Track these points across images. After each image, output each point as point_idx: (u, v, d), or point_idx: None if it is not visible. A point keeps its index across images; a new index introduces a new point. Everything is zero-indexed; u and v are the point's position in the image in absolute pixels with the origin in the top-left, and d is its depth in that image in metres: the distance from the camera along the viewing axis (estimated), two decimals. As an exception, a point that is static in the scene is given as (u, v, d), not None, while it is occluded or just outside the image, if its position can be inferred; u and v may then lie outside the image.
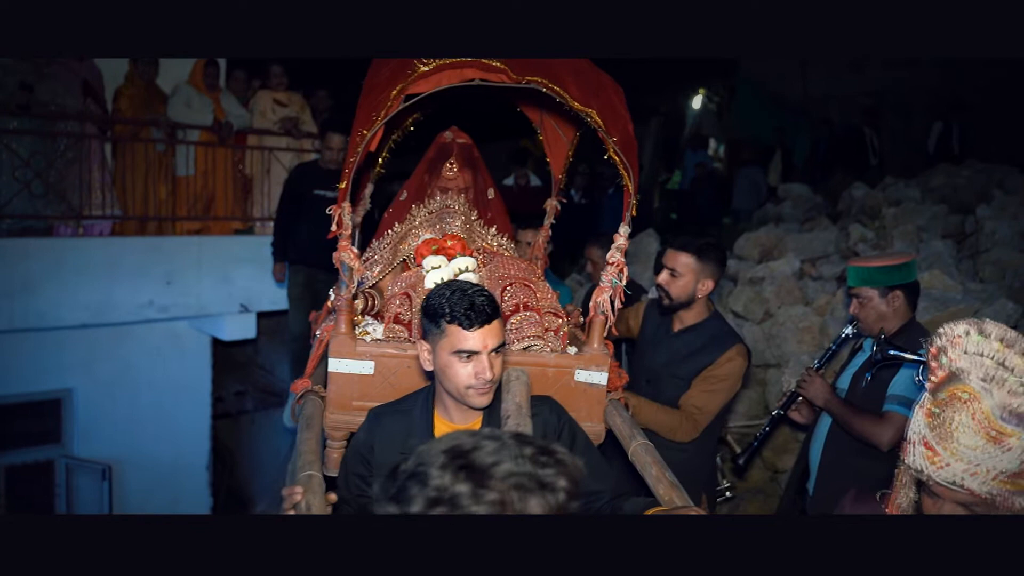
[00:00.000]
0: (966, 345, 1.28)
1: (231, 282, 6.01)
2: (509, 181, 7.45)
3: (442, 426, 1.91)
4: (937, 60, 9.47)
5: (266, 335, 6.70)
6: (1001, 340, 1.27)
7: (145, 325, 5.95)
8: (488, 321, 1.77)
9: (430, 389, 1.95)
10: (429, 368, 1.87)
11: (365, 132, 2.02)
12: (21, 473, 5.81)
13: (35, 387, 5.78)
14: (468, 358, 1.78)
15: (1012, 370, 1.25)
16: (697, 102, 13.48)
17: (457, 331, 1.76)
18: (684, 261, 2.83)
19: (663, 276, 2.88)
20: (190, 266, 5.88)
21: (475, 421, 1.92)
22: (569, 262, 7.16)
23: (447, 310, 1.76)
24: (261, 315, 6.28)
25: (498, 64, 2.06)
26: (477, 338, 1.76)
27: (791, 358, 4.40)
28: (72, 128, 5.50)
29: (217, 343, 6.53)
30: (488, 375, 1.78)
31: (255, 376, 7.28)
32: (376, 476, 1.87)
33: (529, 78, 2.09)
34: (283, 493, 1.76)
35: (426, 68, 1.95)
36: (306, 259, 4.94)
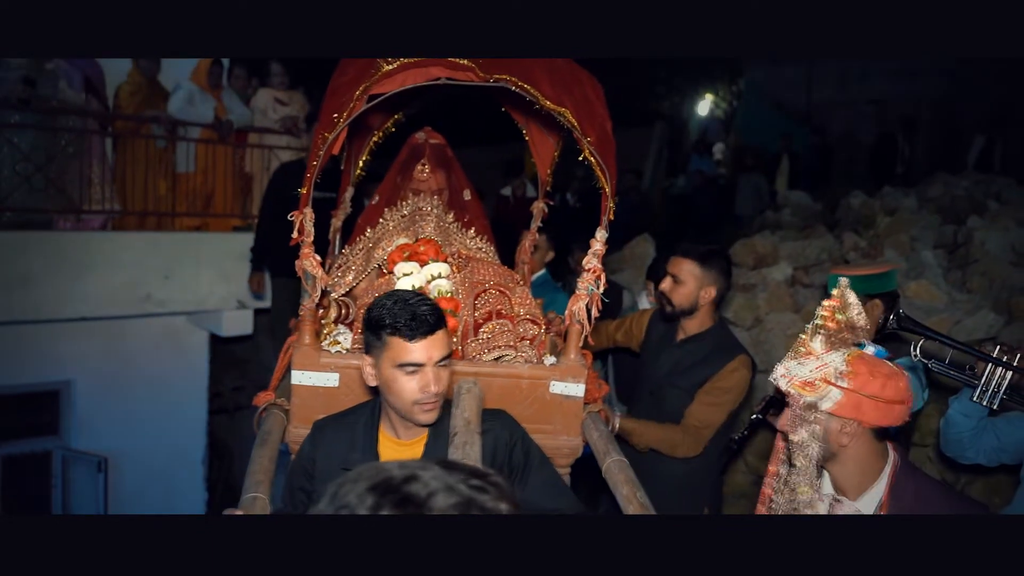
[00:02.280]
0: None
1: (229, 278, 6.02)
2: (506, 191, 7.46)
3: (386, 442, 1.85)
4: (959, 71, 9.45)
5: (264, 331, 6.73)
6: (839, 290, 1.65)
7: (143, 319, 5.99)
8: (431, 331, 1.70)
9: (376, 403, 1.89)
10: (373, 383, 1.79)
11: (327, 135, 1.99)
12: (18, 464, 5.84)
13: (33, 379, 5.82)
14: (412, 371, 1.70)
15: (831, 308, 1.64)
16: (704, 107, 13.46)
17: (399, 343, 1.69)
18: (687, 268, 2.77)
19: (665, 283, 2.82)
20: (189, 262, 5.91)
21: (421, 437, 1.85)
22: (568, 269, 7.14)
23: (388, 321, 1.69)
24: (258, 311, 6.30)
25: (466, 62, 2.01)
26: (420, 350, 1.69)
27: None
28: (73, 123, 5.54)
29: (215, 339, 6.56)
30: (433, 388, 1.71)
31: (253, 372, 7.31)
32: (317, 491, 1.79)
33: (497, 76, 2.04)
34: (224, 514, 1.70)
35: (390, 67, 1.92)
36: (293, 269, 4.78)
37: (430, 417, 1.77)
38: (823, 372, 1.60)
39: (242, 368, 7.43)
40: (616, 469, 2.09)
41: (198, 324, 6.39)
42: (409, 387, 1.72)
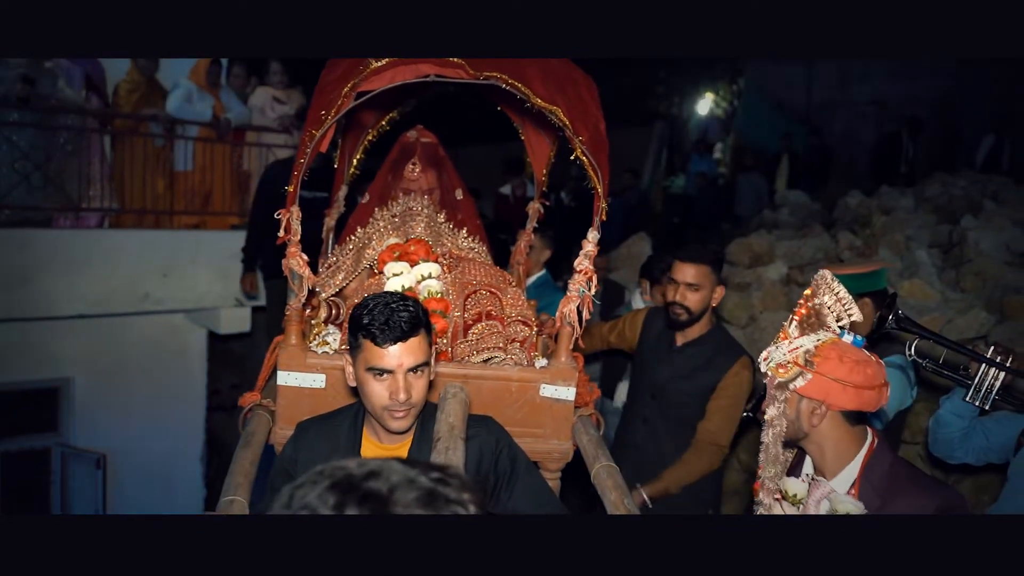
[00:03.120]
0: None
1: (227, 276, 6.01)
2: (506, 190, 7.44)
3: (370, 445, 1.81)
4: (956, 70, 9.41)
5: (262, 329, 6.74)
6: (815, 279, 1.76)
7: (142, 317, 6.01)
8: (403, 338, 1.65)
9: (360, 405, 1.83)
10: (352, 384, 1.76)
11: (315, 132, 1.97)
12: (17, 460, 5.87)
13: (33, 376, 5.84)
14: (381, 376, 1.67)
15: (804, 296, 1.75)
16: (704, 107, 13.46)
17: (370, 347, 1.65)
18: (702, 272, 2.76)
19: (680, 292, 2.78)
20: (187, 260, 5.92)
21: (405, 441, 1.81)
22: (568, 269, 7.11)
23: (364, 323, 1.65)
24: (256, 309, 6.31)
25: (456, 60, 1.99)
26: (391, 356, 1.65)
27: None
28: (72, 122, 5.56)
29: (213, 336, 6.58)
30: (402, 396, 1.66)
31: (251, 370, 7.32)
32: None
33: (487, 74, 2.01)
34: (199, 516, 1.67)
35: (379, 64, 1.91)
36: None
37: (400, 425, 1.72)
38: (795, 355, 1.70)
39: (240, 366, 7.45)
40: (605, 475, 2.06)
41: (196, 322, 6.41)
42: (378, 392, 1.68)
